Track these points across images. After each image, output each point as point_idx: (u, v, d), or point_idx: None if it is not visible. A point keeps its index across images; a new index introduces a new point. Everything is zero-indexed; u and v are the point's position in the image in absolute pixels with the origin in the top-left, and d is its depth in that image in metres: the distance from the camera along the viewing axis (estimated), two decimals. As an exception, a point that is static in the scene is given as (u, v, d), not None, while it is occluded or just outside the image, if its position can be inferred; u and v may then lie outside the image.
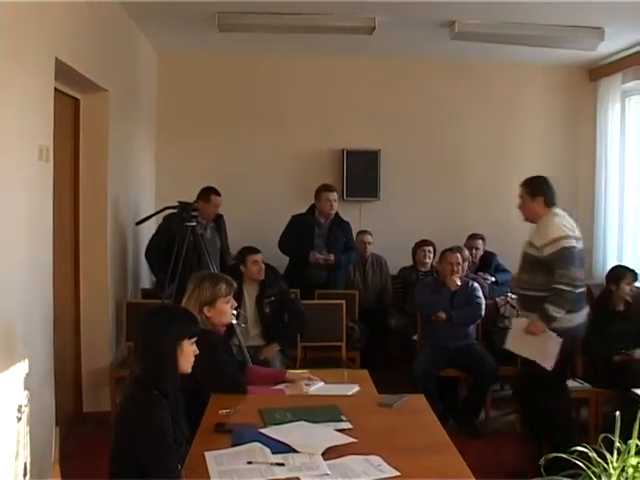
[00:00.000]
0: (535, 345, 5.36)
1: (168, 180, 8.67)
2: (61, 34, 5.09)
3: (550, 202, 5.63)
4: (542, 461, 3.06)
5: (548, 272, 5.33)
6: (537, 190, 5.65)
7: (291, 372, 4.77)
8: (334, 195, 7.68)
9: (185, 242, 6.34)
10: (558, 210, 5.64)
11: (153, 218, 7.09)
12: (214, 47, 8.43)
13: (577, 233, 5.54)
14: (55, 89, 5.10)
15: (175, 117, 8.88)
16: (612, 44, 7.77)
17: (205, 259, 6.37)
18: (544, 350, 5.32)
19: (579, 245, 5.50)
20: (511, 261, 8.06)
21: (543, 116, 9.36)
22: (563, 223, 5.49)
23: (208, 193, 7.37)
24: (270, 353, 6.24)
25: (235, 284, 4.60)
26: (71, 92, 6.18)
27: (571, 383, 6.26)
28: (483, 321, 7.03)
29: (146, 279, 8.25)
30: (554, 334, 5.31)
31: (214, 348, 4.24)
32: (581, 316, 5.53)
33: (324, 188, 7.75)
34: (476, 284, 6.97)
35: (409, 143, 9.12)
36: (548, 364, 5.29)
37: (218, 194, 7.41)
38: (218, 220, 7.56)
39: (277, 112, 8.98)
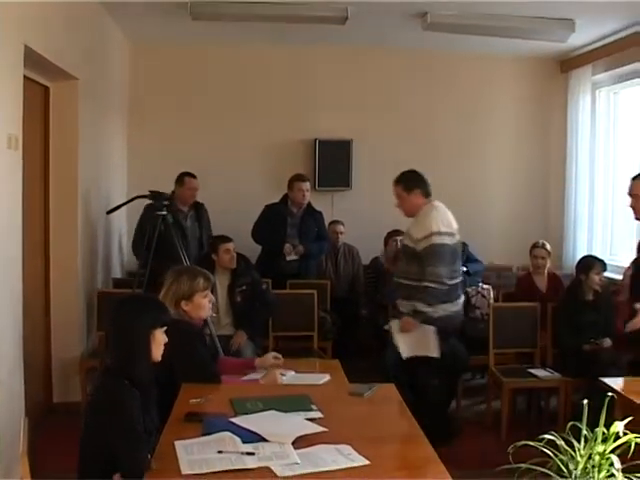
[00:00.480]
0: (417, 340, 5.64)
1: (140, 169, 8.63)
2: (30, 21, 5.03)
3: (427, 193, 5.88)
4: (511, 449, 3.07)
5: (421, 264, 5.59)
6: (411, 183, 5.88)
7: (259, 359, 4.77)
8: (306, 185, 7.68)
9: (156, 232, 6.31)
10: (437, 203, 5.87)
11: (126, 207, 7.05)
12: (187, 36, 8.38)
13: (453, 229, 5.78)
14: (24, 77, 5.05)
15: (148, 106, 8.84)
16: (583, 36, 7.83)
17: (177, 249, 6.34)
18: (425, 342, 5.61)
19: (453, 240, 5.74)
20: (483, 252, 8.15)
21: (514, 107, 9.40)
22: (440, 218, 5.70)
23: (182, 176, 7.39)
24: (239, 339, 6.25)
25: (213, 278, 4.62)
26: (41, 80, 6.12)
27: (541, 372, 6.32)
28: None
29: (117, 268, 8.22)
30: (426, 325, 5.59)
31: (189, 339, 4.25)
32: (456, 305, 5.82)
33: (297, 178, 7.75)
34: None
35: (381, 133, 9.14)
36: (434, 353, 5.60)
37: (193, 177, 7.41)
38: (199, 209, 7.53)
39: (250, 102, 8.97)
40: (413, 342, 5.66)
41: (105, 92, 7.69)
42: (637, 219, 5.50)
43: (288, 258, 7.57)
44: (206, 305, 4.47)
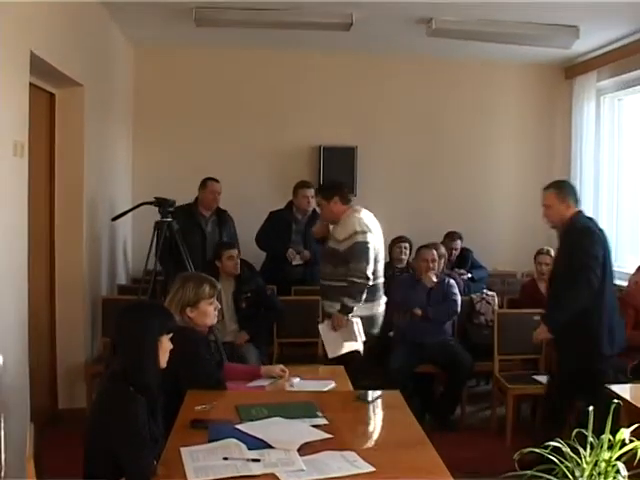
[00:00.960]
0: (346, 336, 5.81)
1: (145, 176, 8.63)
2: (36, 28, 5.05)
3: (346, 200, 6.09)
4: (516, 456, 3.07)
5: (345, 263, 5.82)
6: (330, 192, 6.08)
7: (266, 367, 4.76)
8: (311, 191, 7.66)
9: (161, 239, 6.32)
10: (359, 207, 6.12)
11: (131, 214, 7.04)
12: (191, 42, 8.41)
13: (376, 231, 6.02)
14: (30, 84, 5.07)
15: (152, 112, 8.85)
16: (587, 42, 7.82)
17: (183, 256, 6.35)
18: (353, 335, 5.79)
19: (376, 241, 5.98)
20: (487, 258, 8.15)
21: (519, 114, 9.40)
22: (362, 220, 5.93)
23: (205, 180, 7.46)
24: (240, 340, 6.28)
25: (219, 286, 4.61)
26: (46, 87, 6.14)
27: (546, 378, 6.30)
28: (459, 317, 7.05)
29: (122, 275, 8.23)
30: (352, 318, 5.79)
31: (194, 346, 4.25)
32: (379, 304, 6.12)
33: (301, 185, 7.75)
34: (452, 281, 6.98)
35: (386, 140, 9.14)
36: (359, 345, 5.83)
37: (216, 181, 7.48)
38: (221, 215, 7.54)
39: (254, 108, 8.97)
40: (339, 340, 5.83)
41: (110, 98, 7.71)
42: (553, 228, 5.68)
43: (294, 262, 7.56)
44: (212, 312, 4.46)
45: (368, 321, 5.94)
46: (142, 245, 7.15)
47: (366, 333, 5.89)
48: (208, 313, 4.43)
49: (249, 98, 8.97)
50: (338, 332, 5.83)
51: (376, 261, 5.93)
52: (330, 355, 5.78)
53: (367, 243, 5.83)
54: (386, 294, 7.36)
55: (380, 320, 6.16)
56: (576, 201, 5.56)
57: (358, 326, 5.81)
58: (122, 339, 3.33)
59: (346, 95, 9.09)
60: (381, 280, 6.11)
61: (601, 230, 5.47)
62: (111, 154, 7.80)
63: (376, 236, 6.00)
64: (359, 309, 5.85)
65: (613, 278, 5.49)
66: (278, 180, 8.63)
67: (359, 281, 5.77)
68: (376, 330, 6.13)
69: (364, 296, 5.84)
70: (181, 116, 8.89)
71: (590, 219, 5.59)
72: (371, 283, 5.86)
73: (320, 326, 5.91)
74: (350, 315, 5.84)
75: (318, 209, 6.29)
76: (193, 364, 4.16)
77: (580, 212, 5.54)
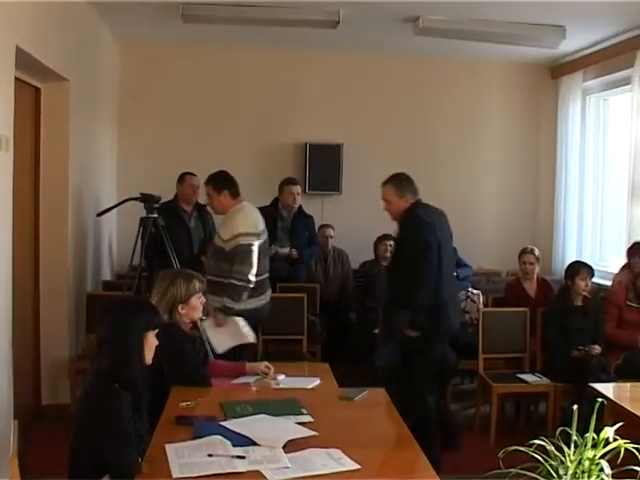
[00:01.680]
0: (230, 332, 5.74)
1: (130, 172, 8.61)
2: (22, 22, 5.03)
3: (235, 194, 6.06)
4: (501, 454, 3.07)
5: (229, 263, 5.78)
6: (220, 185, 6.02)
7: (250, 364, 4.76)
8: (297, 188, 7.67)
9: (147, 235, 6.30)
10: (245, 204, 6.10)
11: (116, 210, 7.02)
12: (178, 39, 8.38)
13: (259, 229, 6.02)
14: (15, 78, 5.05)
15: (137, 108, 8.83)
16: (573, 42, 7.86)
17: (168, 252, 6.34)
18: (238, 332, 5.73)
19: (260, 241, 5.95)
20: (472, 256, 8.16)
21: (505, 113, 9.43)
22: (247, 220, 5.92)
23: (182, 174, 7.42)
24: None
25: (205, 280, 4.63)
26: (32, 81, 6.12)
27: (530, 377, 6.34)
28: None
29: (107, 271, 8.21)
30: (235, 317, 5.75)
31: (180, 342, 4.26)
32: (262, 299, 6.03)
33: (287, 181, 7.74)
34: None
35: (371, 138, 9.15)
36: (249, 339, 5.77)
37: (194, 175, 7.41)
38: (201, 209, 7.51)
39: (241, 105, 8.97)
40: (225, 336, 5.76)
41: (95, 94, 7.69)
42: (394, 220, 5.91)
43: (280, 252, 7.53)
44: (199, 307, 4.48)
45: (252, 314, 5.89)
46: (127, 241, 7.18)
47: (253, 327, 5.86)
48: (197, 308, 4.45)
49: (235, 95, 8.97)
50: (223, 328, 5.78)
51: (259, 259, 5.89)
52: (218, 350, 5.70)
53: (251, 245, 5.82)
54: (372, 292, 7.41)
55: (265, 313, 6.13)
56: (415, 192, 5.81)
57: (241, 323, 5.76)
58: (107, 335, 3.32)
59: (333, 93, 9.10)
60: (265, 276, 6.05)
61: (439, 217, 5.83)
62: (96, 149, 7.79)
63: (259, 234, 5.98)
64: (243, 303, 5.81)
65: (450, 266, 5.87)
66: (263, 177, 8.59)
67: (239, 284, 5.74)
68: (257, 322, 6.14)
69: (244, 296, 5.80)
70: (167, 113, 8.88)
71: (426, 208, 5.82)
72: (254, 283, 5.83)
73: (204, 323, 5.87)
74: (232, 314, 5.81)
75: (209, 201, 6.20)
76: (178, 361, 4.16)
77: (417, 203, 5.77)
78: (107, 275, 8.18)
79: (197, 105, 8.92)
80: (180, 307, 4.36)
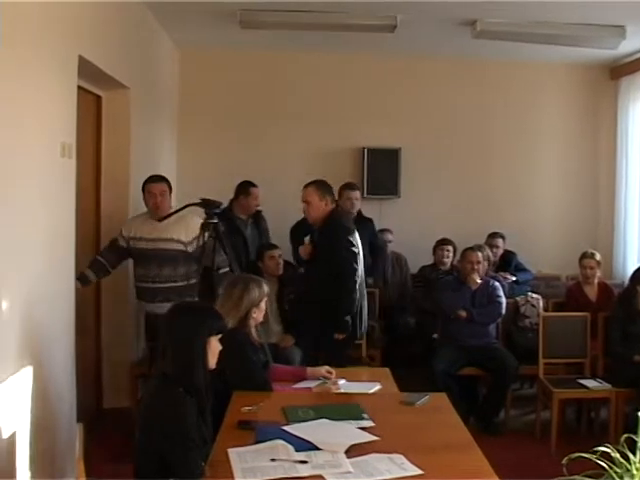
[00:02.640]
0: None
1: (189, 178, 8.63)
2: (84, 32, 5.10)
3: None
4: (565, 461, 3.04)
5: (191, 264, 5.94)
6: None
7: (311, 369, 4.76)
8: (356, 193, 7.65)
9: (206, 238, 6.32)
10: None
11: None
12: (236, 43, 8.42)
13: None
14: (78, 86, 5.12)
15: (196, 114, 8.90)
16: (633, 42, 7.73)
17: (230, 258, 6.33)
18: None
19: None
20: (531, 260, 8.10)
21: (564, 115, 9.32)
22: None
23: (247, 186, 7.38)
24: (287, 343, 6.31)
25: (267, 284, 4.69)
26: (93, 89, 6.21)
27: (591, 383, 6.25)
28: (503, 320, 7.02)
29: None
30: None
31: (242, 347, 4.31)
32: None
33: (346, 186, 7.72)
34: (497, 283, 6.96)
35: (429, 142, 9.11)
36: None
37: (255, 186, 7.44)
38: (257, 216, 7.55)
39: (299, 110, 8.98)
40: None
41: (155, 100, 7.76)
42: (312, 223, 6.06)
43: None
44: (264, 309, 4.56)
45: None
46: None
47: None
48: (264, 310, 4.55)
49: (293, 100, 8.99)
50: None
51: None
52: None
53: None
54: (431, 296, 7.38)
55: None
56: (333, 199, 6.02)
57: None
58: (171, 340, 3.33)
59: (390, 97, 9.06)
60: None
61: (354, 225, 6.17)
62: (156, 156, 7.85)
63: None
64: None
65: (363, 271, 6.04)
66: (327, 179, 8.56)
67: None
68: None
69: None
70: (225, 118, 8.93)
71: (344, 214, 6.37)
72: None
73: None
74: None
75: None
76: (240, 364, 4.20)
77: (336, 209, 6.06)
78: None
79: (256, 110, 8.94)
80: (254, 310, 4.43)
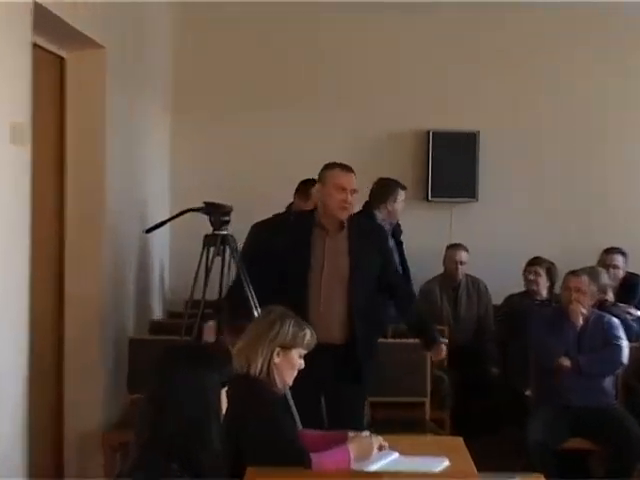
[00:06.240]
0: None
1: (188, 171, 8.70)
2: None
3: None
4: None
5: None
6: None
7: (355, 436, 4.67)
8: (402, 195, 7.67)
9: (211, 256, 6.25)
10: None
11: (170, 225, 7.00)
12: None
13: None
14: (33, 44, 5.09)
15: (198, 91, 8.97)
16: None
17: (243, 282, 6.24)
18: None
19: None
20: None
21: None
22: None
23: (309, 186, 7.27)
24: None
25: (315, 338, 4.58)
26: (54, 49, 6.18)
27: None
28: (625, 372, 6.97)
29: (157, 308, 8.29)
30: None
31: (270, 406, 4.25)
32: None
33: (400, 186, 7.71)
34: (614, 319, 6.88)
35: (520, 122, 9.09)
36: None
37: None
38: None
39: (336, 83, 9.03)
40: None
41: (141, 69, 7.71)
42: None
43: None
44: (297, 368, 4.45)
45: None
46: (184, 267, 7.21)
47: None
48: (294, 365, 4.42)
49: (327, 71, 9.02)
50: None
51: None
52: None
53: None
54: (521, 337, 7.29)
55: None
56: None
57: None
58: (168, 396, 3.26)
59: (464, 62, 9.03)
60: None
61: None
62: (143, 143, 7.83)
63: None
64: None
65: None
66: (365, 178, 8.47)
67: None
68: None
69: None
70: (237, 96, 8.97)
71: None
72: None
73: None
74: None
75: None
76: (268, 429, 4.12)
77: None
78: (157, 313, 8.29)
79: (280, 85, 9.01)
80: (277, 352, 4.33)
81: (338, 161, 5.92)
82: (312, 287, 5.83)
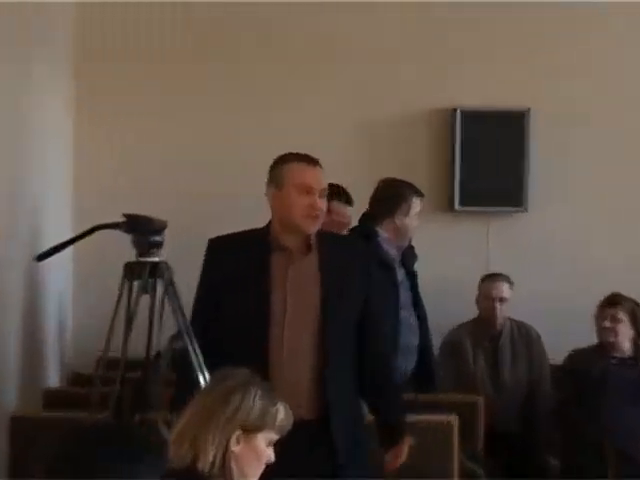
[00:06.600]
0: None
1: (101, 169, 8.60)
2: None
3: None
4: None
5: None
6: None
7: None
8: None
9: (134, 294, 6.11)
10: None
11: (72, 248, 6.87)
12: None
13: None
14: None
15: (111, 53, 8.90)
16: None
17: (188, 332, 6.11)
18: None
19: None
20: None
21: None
22: None
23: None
24: None
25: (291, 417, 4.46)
26: None
27: None
28: None
29: (53, 371, 8.20)
30: None
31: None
32: None
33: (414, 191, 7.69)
34: None
35: (587, 100, 9.07)
36: None
37: (348, 201, 7.67)
38: None
39: (324, 42, 9.03)
40: None
41: (26, 19, 7.61)
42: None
43: None
44: (264, 461, 4.29)
45: None
46: (94, 310, 7.28)
47: None
48: (262, 457, 4.27)
49: (318, 24, 9.00)
50: None
51: None
52: None
53: None
54: (594, 409, 7.23)
55: None
56: None
57: None
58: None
59: (505, 19, 9.08)
60: None
61: None
62: (31, 127, 7.74)
63: None
64: None
65: None
66: (379, 170, 8.44)
67: None
68: None
69: None
70: (172, 57, 8.97)
71: None
72: None
73: None
74: None
75: None
76: None
77: None
78: (53, 379, 8.21)
79: (241, 44, 9.01)
80: (236, 437, 4.18)
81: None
82: (272, 339, 5.71)
